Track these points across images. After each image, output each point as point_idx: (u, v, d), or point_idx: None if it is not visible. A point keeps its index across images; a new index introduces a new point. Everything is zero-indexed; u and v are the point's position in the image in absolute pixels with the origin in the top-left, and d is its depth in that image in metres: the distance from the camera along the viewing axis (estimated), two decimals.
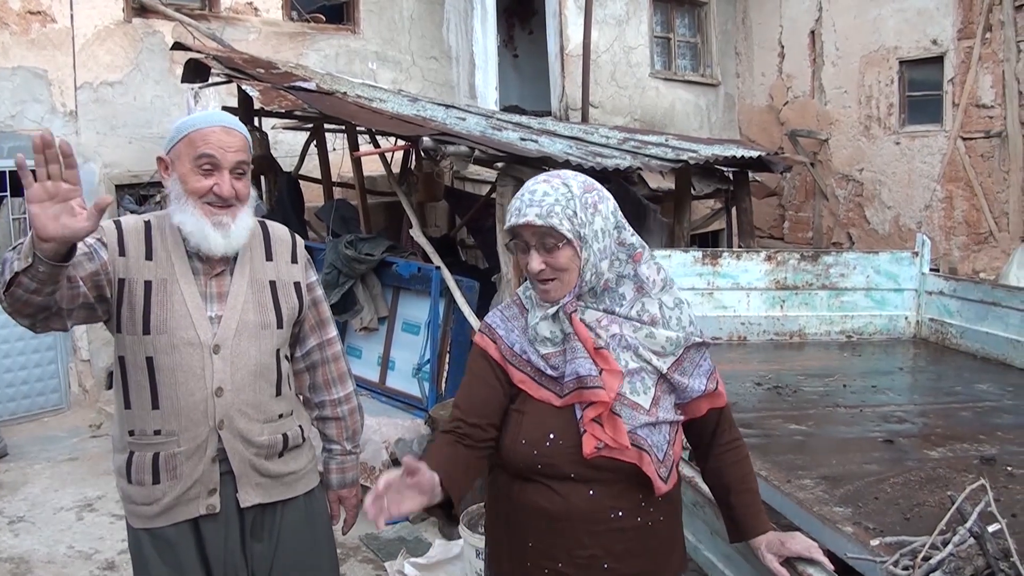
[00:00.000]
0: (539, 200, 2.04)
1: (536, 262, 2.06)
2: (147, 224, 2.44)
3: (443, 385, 6.14)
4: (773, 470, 2.97)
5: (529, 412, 2.08)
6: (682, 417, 2.13)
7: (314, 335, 2.65)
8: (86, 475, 6.69)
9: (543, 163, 5.60)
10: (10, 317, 2.18)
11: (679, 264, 5.17)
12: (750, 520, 2.19)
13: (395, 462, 5.53)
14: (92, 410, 8.38)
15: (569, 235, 2.02)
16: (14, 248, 2.12)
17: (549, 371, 2.07)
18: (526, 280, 2.18)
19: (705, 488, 2.34)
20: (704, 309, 5.18)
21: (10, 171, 8.18)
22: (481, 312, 6.00)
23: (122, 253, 2.37)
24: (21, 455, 7.22)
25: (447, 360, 6.18)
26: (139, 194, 8.89)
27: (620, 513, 2.07)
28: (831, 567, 2.08)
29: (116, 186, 8.86)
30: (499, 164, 5.58)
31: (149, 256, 2.39)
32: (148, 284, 2.37)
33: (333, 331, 2.69)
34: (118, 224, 2.42)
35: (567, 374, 2.05)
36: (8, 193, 8.20)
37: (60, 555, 5.25)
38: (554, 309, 2.08)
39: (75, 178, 1.96)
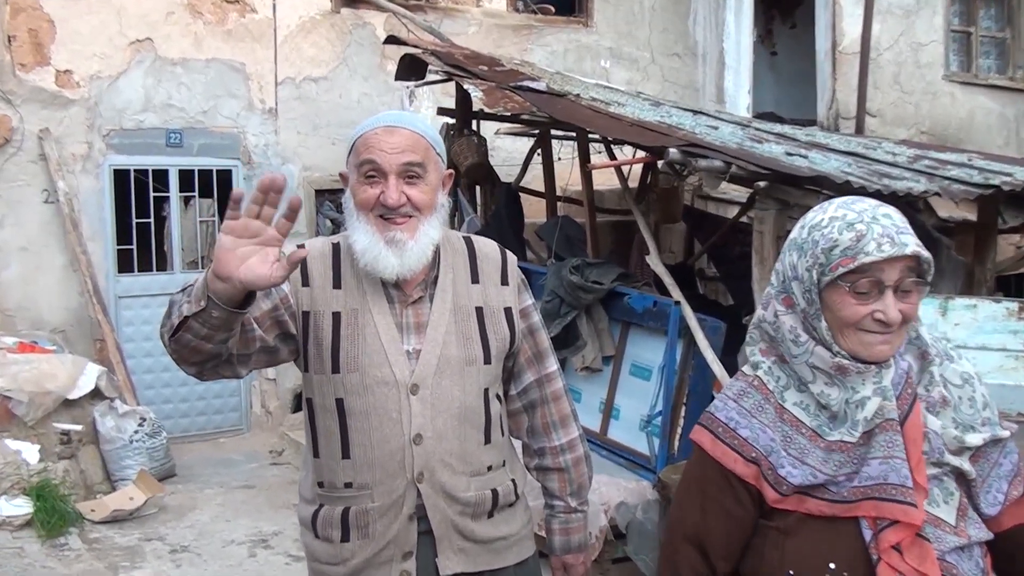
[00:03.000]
0: (902, 226, 1.81)
1: (894, 310, 1.80)
2: (335, 248, 2.47)
3: (676, 443, 6.02)
4: None
5: (795, 532, 1.83)
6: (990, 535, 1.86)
7: (531, 369, 2.62)
8: (262, 506, 6.94)
9: (815, 183, 5.35)
10: (176, 364, 2.24)
11: (986, 317, 4.85)
12: None
13: (615, 530, 5.45)
14: (274, 434, 8.73)
15: (929, 273, 1.82)
16: (183, 290, 2.19)
17: (820, 478, 1.81)
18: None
19: None
20: (1018, 376, 4.83)
21: (199, 169, 8.71)
22: (727, 361, 5.83)
23: (306, 283, 2.41)
24: (191, 477, 7.59)
25: (682, 413, 6.07)
26: (339, 201, 9.17)
27: None
28: None
29: (316, 191, 9.29)
30: (760, 183, 5.36)
31: (337, 284, 2.41)
32: (336, 316, 2.39)
33: (553, 365, 2.66)
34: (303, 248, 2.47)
35: (865, 477, 1.79)
36: (196, 193, 8.72)
37: None
38: (889, 377, 1.81)
39: (286, 231, 2.02)
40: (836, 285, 1.80)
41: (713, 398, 2.02)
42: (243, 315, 2.12)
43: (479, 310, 2.49)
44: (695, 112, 7.99)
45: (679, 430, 6.04)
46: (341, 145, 9.03)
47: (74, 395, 6.91)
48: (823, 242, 1.81)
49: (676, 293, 6.16)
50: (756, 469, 1.86)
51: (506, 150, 9.67)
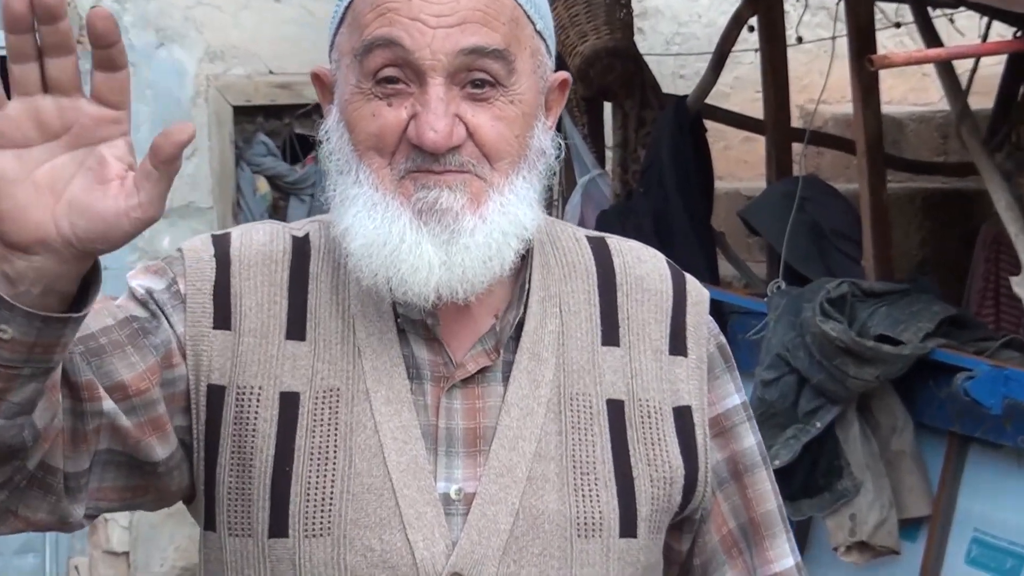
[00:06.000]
0: None
1: None
2: (298, 247, 2.61)
3: None
4: None
5: None
6: None
7: (734, 561, 2.75)
8: None
9: None
10: None
11: None
12: None
13: None
14: None
15: None
16: None
17: None
18: None
19: None
20: None
21: None
22: None
23: (223, 323, 2.51)
24: None
25: None
26: (288, 130, 9.63)
27: None
28: None
29: (234, 108, 9.53)
30: None
31: (298, 330, 2.53)
32: (290, 402, 2.48)
33: (788, 557, 2.78)
34: (221, 243, 2.62)
35: None
36: None
37: None
38: None
39: (121, 92, 1.95)
40: None
41: None
42: (75, 324, 2.07)
43: (615, 406, 2.58)
44: None
45: None
46: (295, 7, 9.27)
47: None
48: None
49: None
50: None
51: (677, 22, 9.84)
